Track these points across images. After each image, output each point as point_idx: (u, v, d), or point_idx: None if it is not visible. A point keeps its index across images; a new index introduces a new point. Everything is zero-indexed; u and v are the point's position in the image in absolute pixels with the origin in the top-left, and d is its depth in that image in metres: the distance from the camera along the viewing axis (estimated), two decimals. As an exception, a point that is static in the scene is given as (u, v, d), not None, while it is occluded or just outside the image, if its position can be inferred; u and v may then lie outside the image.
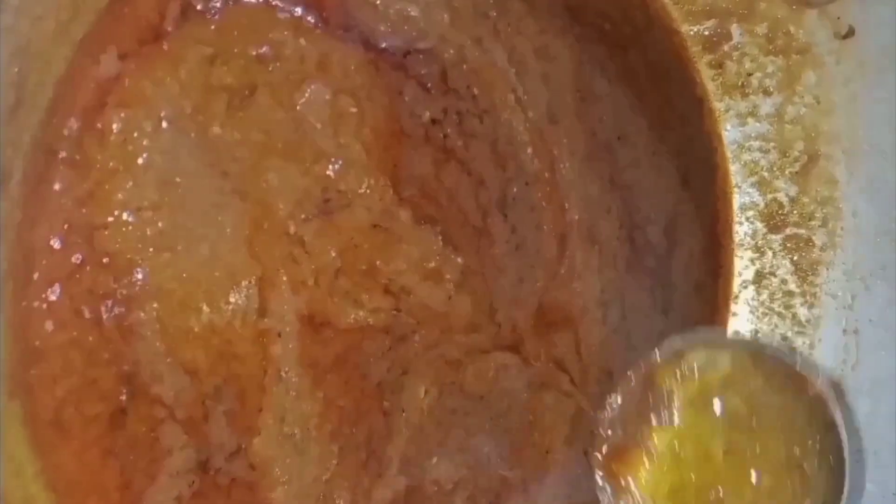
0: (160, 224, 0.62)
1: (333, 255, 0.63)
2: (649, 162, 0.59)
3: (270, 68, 0.63)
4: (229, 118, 0.63)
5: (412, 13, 0.63)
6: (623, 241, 0.61)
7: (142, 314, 0.61)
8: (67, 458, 0.58)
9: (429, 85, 0.64)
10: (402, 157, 0.64)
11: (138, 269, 0.61)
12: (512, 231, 0.64)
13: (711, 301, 0.52)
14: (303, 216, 0.63)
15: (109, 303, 0.61)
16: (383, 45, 0.64)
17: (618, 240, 0.61)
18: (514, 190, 0.64)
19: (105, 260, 0.61)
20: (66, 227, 0.60)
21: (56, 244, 0.59)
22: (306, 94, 0.63)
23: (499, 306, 0.64)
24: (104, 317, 0.61)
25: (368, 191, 0.64)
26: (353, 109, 0.63)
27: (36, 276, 0.59)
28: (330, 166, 0.63)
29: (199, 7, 0.62)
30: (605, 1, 0.56)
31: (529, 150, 0.63)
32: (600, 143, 0.61)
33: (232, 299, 0.62)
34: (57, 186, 0.60)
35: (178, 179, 0.62)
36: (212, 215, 0.62)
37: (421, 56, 0.64)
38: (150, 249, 0.61)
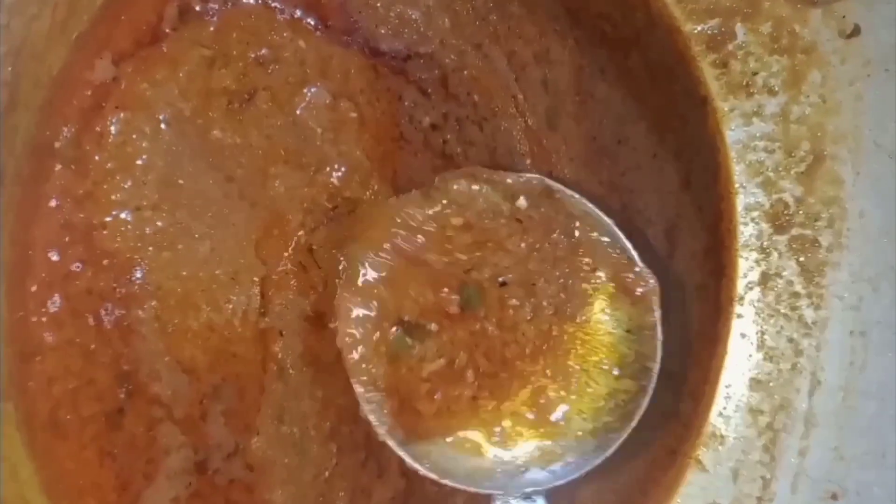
0: (160, 223, 0.61)
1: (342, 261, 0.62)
2: (650, 165, 0.58)
3: (269, 70, 0.62)
4: (229, 121, 0.62)
5: (413, 16, 0.63)
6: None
7: (140, 313, 0.61)
8: (63, 460, 0.58)
9: (429, 90, 0.64)
10: (401, 162, 0.64)
11: (137, 268, 0.61)
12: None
13: (714, 302, 0.51)
14: (312, 225, 0.63)
15: (109, 305, 0.60)
16: (383, 49, 0.63)
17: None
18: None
19: (105, 261, 0.60)
20: (62, 228, 0.59)
21: (52, 246, 0.59)
22: (306, 98, 0.63)
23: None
24: (103, 317, 0.60)
25: (373, 196, 0.63)
26: (353, 114, 0.63)
27: (33, 279, 0.58)
28: (334, 173, 0.63)
29: (197, 9, 0.62)
30: (606, 1, 0.56)
31: (528, 162, 0.62)
32: (600, 148, 0.60)
33: (233, 298, 0.62)
34: (53, 187, 0.59)
35: (180, 181, 0.62)
36: (217, 217, 0.62)
37: (421, 60, 0.63)
38: (150, 248, 0.61)
